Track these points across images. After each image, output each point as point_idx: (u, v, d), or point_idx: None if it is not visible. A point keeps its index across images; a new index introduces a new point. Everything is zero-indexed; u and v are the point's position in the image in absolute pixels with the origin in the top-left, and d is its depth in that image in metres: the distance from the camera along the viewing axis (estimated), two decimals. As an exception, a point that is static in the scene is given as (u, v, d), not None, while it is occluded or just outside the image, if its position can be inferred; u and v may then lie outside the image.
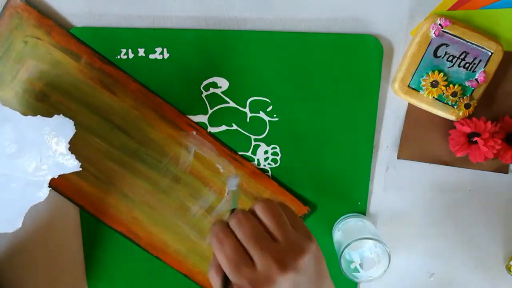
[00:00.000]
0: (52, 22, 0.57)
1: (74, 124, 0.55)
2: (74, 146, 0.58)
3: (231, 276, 0.40)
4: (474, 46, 0.56)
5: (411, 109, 0.60)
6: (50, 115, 0.58)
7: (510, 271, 0.62)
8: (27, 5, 0.56)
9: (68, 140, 0.53)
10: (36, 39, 0.57)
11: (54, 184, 0.60)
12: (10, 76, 0.58)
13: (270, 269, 0.39)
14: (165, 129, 0.60)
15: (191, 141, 0.60)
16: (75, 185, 0.60)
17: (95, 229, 0.61)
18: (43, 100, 0.59)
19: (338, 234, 0.59)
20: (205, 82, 0.60)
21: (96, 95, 0.59)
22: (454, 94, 0.57)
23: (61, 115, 0.52)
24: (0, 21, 0.57)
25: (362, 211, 0.62)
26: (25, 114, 0.55)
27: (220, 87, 0.60)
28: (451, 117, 0.58)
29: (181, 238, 0.62)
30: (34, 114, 0.56)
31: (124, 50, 0.59)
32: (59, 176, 0.54)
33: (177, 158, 0.60)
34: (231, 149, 0.61)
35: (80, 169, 0.53)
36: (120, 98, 0.59)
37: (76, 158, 0.55)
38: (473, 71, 0.57)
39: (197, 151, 0.60)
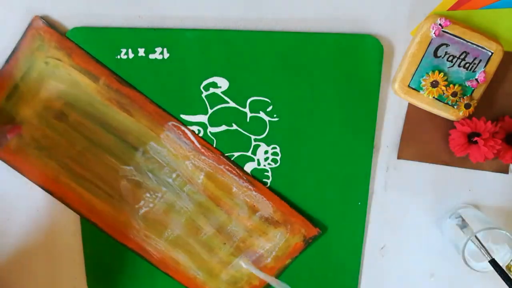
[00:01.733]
0: (73, 44, 0.58)
1: (90, 143, 0.59)
2: (88, 164, 0.60)
3: None
4: (474, 46, 0.56)
5: (411, 109, 0.60)
6: (68, 133, 0.60)
7: (510, 271, 0.62)
8: (49, 27, 0.57)
9: None
10: (57, 60, 0.58)
11: (68, 202, 0.61)
12: (30, 95, 0.59)
13: None
14: (179, 150, 0.60)
15: (205, 162, 0.60)
16: (88, 203, 0.61)
17: (95, 230, 0.61)
18: (61, 119, 0.60)
19: (457, 220, 0.58)
20: (205, 82, 0.60)
21: (112, 115, 0.60)
22: (454, 94, 0.57)
23: None
24: (22, 41, 0.58)
25: (362, 211, 0.62)
26: (43, 132, 0.59)
27: (220, 87, 0.60)
28: (451, 117, 0.58)
29: (192, 256, 0.62)
30: (53, 132, 0.59)
31: (124, 50, 0.59)
32: (71, 192, 0.59)
33: (190, 178, 0.61)
34: (247, 173, 0.61)
35: None
36: (136, 119, 0.60)
37: (91, 176, 0.59)
38: (473, 71, 0.57)
39: (210, 171, 0.61)
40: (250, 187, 0.61)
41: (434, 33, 0.56)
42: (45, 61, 0.58)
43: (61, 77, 0.59)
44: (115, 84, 0.59)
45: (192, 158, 0.61)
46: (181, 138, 0.60)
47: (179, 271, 0.63)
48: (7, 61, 0.59)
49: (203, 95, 0.60)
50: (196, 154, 0.61)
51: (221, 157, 0.61)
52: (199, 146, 0.61)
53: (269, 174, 0.61)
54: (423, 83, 0.57)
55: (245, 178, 0.61)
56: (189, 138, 0.60)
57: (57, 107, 0.59)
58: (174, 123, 0.60)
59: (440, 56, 0.57)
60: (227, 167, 0.61)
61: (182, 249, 0.62)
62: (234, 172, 0.61)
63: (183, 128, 0.60)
